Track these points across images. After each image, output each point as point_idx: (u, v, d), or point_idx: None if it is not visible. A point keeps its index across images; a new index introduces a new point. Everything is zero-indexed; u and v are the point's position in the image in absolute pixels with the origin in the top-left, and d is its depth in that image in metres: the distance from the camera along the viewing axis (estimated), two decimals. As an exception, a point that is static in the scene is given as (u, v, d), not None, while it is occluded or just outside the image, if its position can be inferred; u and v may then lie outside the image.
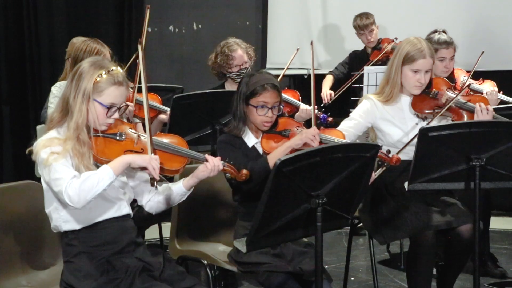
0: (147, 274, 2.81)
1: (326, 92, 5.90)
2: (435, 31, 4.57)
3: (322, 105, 5.76)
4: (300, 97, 4.55)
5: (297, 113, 4.45)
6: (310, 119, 4.25)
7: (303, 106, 4.43)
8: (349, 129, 3.70)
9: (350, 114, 3.77)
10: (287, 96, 4.43)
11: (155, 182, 2.78)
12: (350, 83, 5.65)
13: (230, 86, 4.71)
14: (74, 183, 2.66)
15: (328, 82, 6.03)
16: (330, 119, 4.38)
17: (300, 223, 2.76)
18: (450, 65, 4.51)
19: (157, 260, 2.89)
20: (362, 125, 3.74)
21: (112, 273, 2.78)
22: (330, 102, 5.79)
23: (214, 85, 4.88)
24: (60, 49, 4.89)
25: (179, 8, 6.94)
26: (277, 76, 4.42)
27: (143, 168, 2.77)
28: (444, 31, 4.57)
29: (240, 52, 4.67)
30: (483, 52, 4.24)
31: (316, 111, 4.31)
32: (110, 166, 2.71)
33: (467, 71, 4.72)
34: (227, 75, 4.71)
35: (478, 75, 4.70)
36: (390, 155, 3.24)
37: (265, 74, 3.38)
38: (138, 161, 2.76)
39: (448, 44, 4.46)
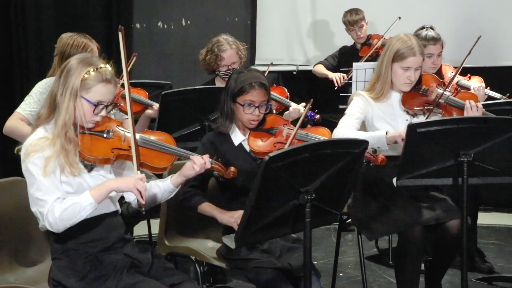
0: (135, 270, 2.81)
1: (337, 75, 5.86)
2: (423, 28, 4.57)
3: (335, 88, 5.73)
4: (288, 94, 4.54)
5: (286, 112, 4.44)
6: (298, 118, 4.27)
7: (294, 105, 4.41)
8: (355, 124, 3.65)
9: (347, 111, 3.73)
10: (276, 94, 4.42)
11: (142, 205, 2.77)
12: (348, 77, 5.64)
13: (220, 82, 4.70)
14: (55, 210, 2.68)
15: (324, 68, 6.03)
16: (317, 116, 4.37)
17: (289, 219, 2.77)
18: (437, 61, 4.52)
19: (146, 257, 2.89)
20: (362, 120, 3.71)
21: (100, 270, 2.77)
22: (343, 84, 5.75)
23: (204, 81, 4.87)
24: (48, 45, 4.87)
25: (168, 4, 6.93)
26: (275, 72, 4.42)
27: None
28: (431, 28, 4.57)
29: (230, 53, 4.66)
30: (480, 37, 4.22)
31: (304, 108, 4.30)
32: (92, 194, 2.71)
33: (455, 67, 4.73)
34: (216, 72, 4.72)
35: (465, 72, 4.71)
36: (376, 155, 3.26)
37: (254, 72, 3.37)
38: (123, 187, 2.76)
39: (436, 40, 4.47)
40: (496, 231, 5.66)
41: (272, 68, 4.76)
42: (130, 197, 3.03)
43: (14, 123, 4.01)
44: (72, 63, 2.81)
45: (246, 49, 4.81)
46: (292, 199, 2.70)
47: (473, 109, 3.73)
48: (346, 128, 3.60)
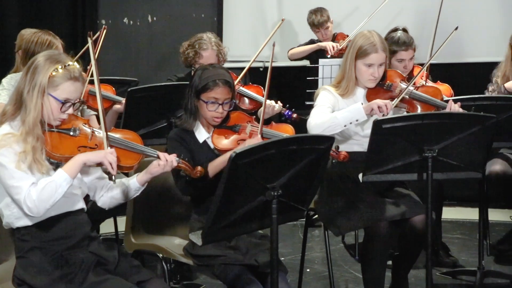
0: (101, 268, 2.80)
1: (330, 44, 5.84)
2: (396, 29, 4.52)
3: (329, 56, 5.70)
4: (265, 93, 4.51)
5: (260, 109, 4.42)
6: (272, 116, 4.26)
7: (268, 102, 4.40)
8: (327, 112, 3.63)
9: (316, 103, 3.72)
10: (251, 92, 4.41)
11: (113, 176, 2.75)
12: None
13: None
14: (32, 194, 2.65)
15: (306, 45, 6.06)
16: (295, 115, 4.37)
17: (256, 215, 2.77)
18: (409, 65, 4.44)
19: (112, 254, 2.87)
20: (332, 111, 3.68)
21: (65, 268, 2.76)
22: (336, 54, 5.70)
23: (178, 74, 4.83)
24: (12, 41, 4.82)
25: (134, 1, 6.89)
26: (236, 68, 4.40)
27: (99, 164, 2.76)
28: (404, 29, 4.52)
29: (209, 53, 4.63)
30: (456, 28, 4.25)
31: (281, 107, 4.31)
32: (65, 170, 2.69)
33: (420, 65, 4.72)
34: (192, 68, 4.69)
35: (434, 70, 4.70)
36: (338, 151, 3.27)
37: (218, 69, 3.37)
38: (93, 158, 2.74)
39: (407, 45, 4.40)
40: (460, 226, 5.74)
41: (238, 65, 4.75)
42: (95, 196, 3.01)
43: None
44: (39, 60, 2.79)
45: (226, 53, 4.78)
46: (258, 195, 2.70)
47: None
48: (320, 114, 3.59)
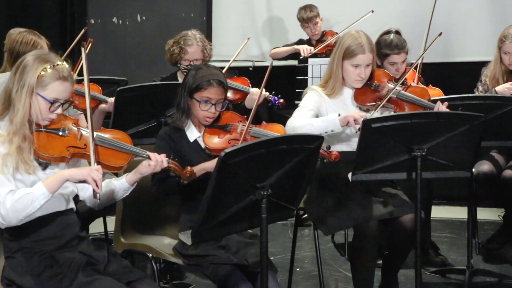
0: (91, 268, 2.79)
1: (305, 47, 5.88)
2: (389, 32, 4.49)
3: (301, 57, 5.73)
4: (250, 84, 4.53)
5: (248, 96, 4.42)
6: (261, 103, 4.27)
7: (253, 89, 4.41)
8: (308, 115, 3.64)
9: (300, 104, 3.73)
10: (237, 83, 4.42)
11: (97, 194, 2.71)
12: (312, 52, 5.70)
13: (181, 76, 4.67)
14: (7, 202, 2.63)
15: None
16: (282, 100, 4.38)
17: (246, 215, 2.78)
18: (401, 68, 4.43)
19: (102, 254, 2.86)
20: (315, 113, 3.70)
21: (55, 268, 2.75)
22: (308, 55, 5.73)
23: (164, 74, 4.83)
24: (0, 41, 4.82)
25: (123, 0, 6.88)
26: (223, 67, 4.42)
27: (83, 181, 2.72)
28: (397, 31, 4.49)
29: (194, 49, 4.63)
30: (440, 33, 4.26)
31: (268, 94, 4.33)
32: (45, 184, 2.67)
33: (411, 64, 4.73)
34: (178, 65, 4.69)
35: (424, 69, 4.71)
36: (330, 151, 3.28)
37: (212, 69, 3.37)
38: (77, 176, 2.70)
39: (400, 49, 4.38)
40: (449, 225, 5.75)
41: (227, 64, 4.76)
42: (85, 195, 3.00)
43: None
44: (28, 60, 2.78)
45: (211, 49, 4.79)
46: (248, 195, 2.71)
47: None
48: (300, 117, 3.61)
